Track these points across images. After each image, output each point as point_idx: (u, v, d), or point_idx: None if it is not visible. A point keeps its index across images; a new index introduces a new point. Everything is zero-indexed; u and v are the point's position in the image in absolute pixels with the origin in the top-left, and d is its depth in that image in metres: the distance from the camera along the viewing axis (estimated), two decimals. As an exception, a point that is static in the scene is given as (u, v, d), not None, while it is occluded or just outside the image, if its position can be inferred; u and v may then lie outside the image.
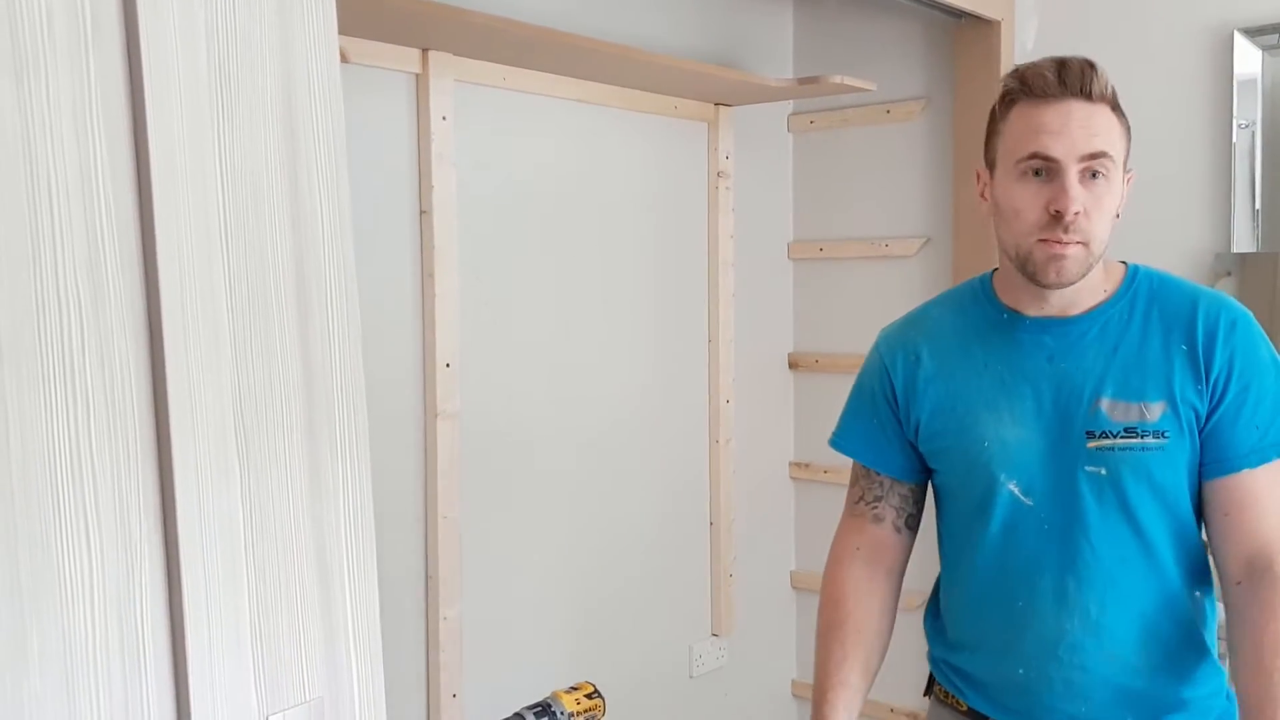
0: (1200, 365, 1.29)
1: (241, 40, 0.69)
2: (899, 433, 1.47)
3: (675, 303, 2.54)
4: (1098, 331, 1.34)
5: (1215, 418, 1.29)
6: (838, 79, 2.34)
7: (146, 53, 0.64)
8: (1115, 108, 1.30)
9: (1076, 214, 1.25)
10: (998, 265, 1.42)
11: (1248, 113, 2.25)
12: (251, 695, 0.66)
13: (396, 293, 1.97)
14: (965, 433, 1.38)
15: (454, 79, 2.00)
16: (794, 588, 2.90)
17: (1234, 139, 2.25)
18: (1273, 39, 2.22)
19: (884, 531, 1.49)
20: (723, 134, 2.59)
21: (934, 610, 1.53)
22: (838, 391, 2.83)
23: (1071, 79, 1.27)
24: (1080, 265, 1.28)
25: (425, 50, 1.95)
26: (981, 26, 2.46)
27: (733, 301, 2.65)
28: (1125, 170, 1.33)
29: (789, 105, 2.81)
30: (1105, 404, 1.31)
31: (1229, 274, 2.26)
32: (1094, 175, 1.27)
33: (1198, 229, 2.31)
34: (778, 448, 2.86)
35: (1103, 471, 1.30)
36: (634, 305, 2.44)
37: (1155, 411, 1.29)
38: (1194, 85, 2.31)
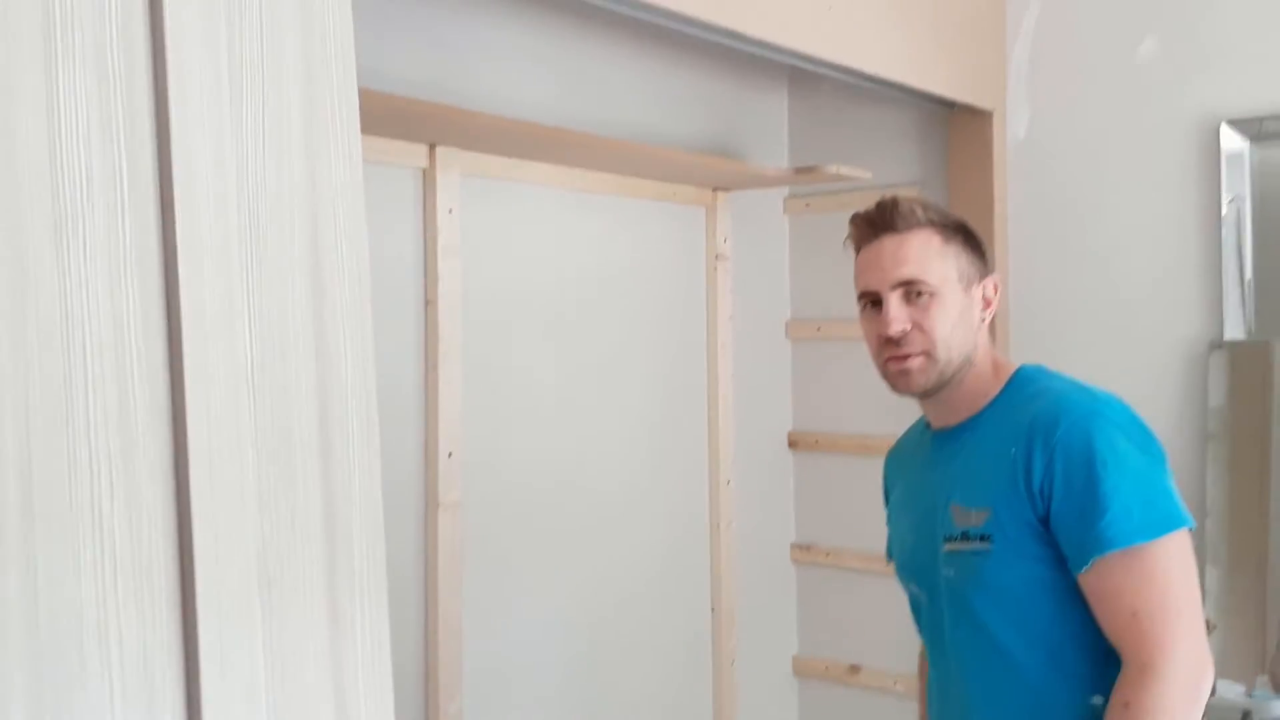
0: (1021, 469, 1.33)
1: (271, 193, 0.70)
2: None
3: (675, 384, 2.56)
4: (967, 437, 1.44)
5: (1054, 518, 1.31)
6: (834, 169, 2.38)
7: (180, 211, 0.66)
8: (940, 228, 1.42)
9: (902, 332, 1.40)
10: None
11: (1236, 187, 2.29)
12: None
13: (400, 383, 1.98)
14: (891, 539, 1.62)
15: (460, 173, 2.03)
16: (796, 674, 2.87)
17: (1223, 211, 2.29)
18: (1257, 129, 2.27)
19: None
20: (720, 218, 2.63)
21: None
22: (838, 471, 2.86)
23: (882, 218, 1.43)
24: (928, 374, 1.41)
25: (432, 146, 1.98)
26: (975, 115, 2.51)
27: (732, 381, 2.67)
28: (973, 278, 1.44)
29: (785, 189, 2.86)
30: (955, 508, 1.40)
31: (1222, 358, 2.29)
32: (918, 295, 1.40)
33: (1188, 315, 2.34)
34: (779, 529, 2.86)
35: (952, 573, 1.41)
36: (635, 388, 2.45)
37: (980, 517, 1.36)
38: (1183, 172, 2.36)
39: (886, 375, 1.47)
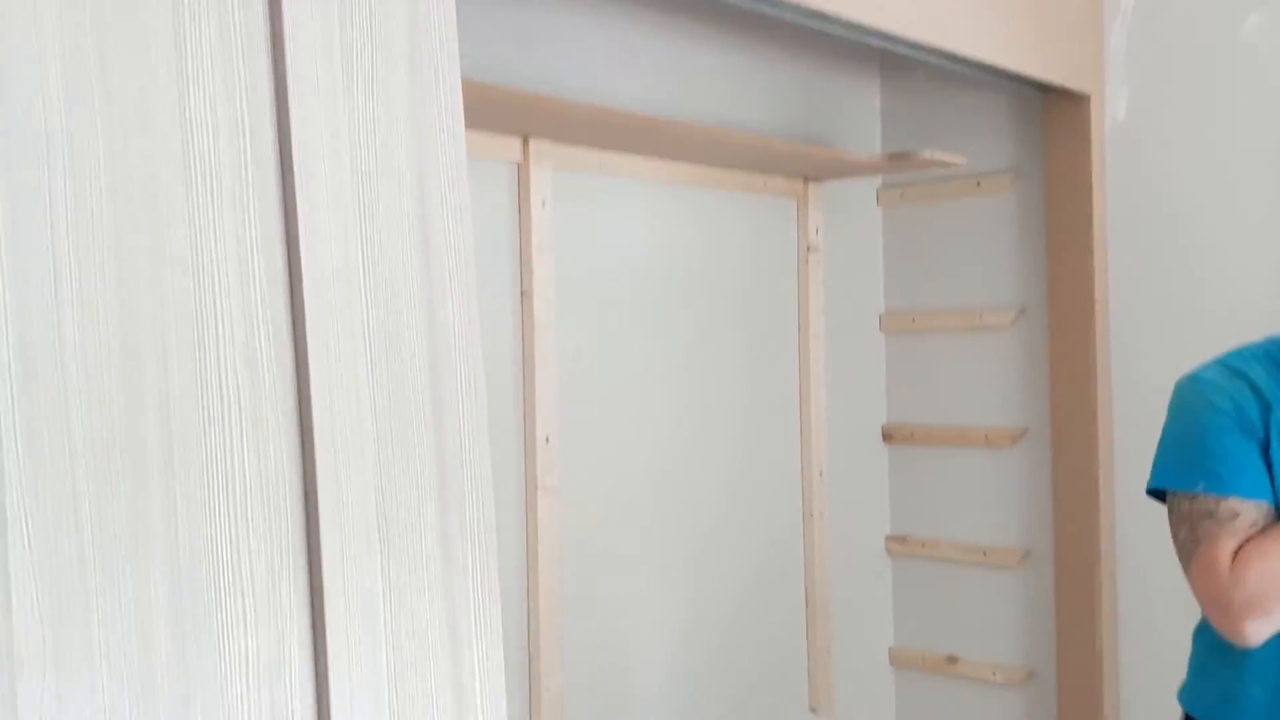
0: None
1: (381, 154, 0.75)
2: (1263, 465, 1.37)
3: (767, 376, 2.57)
4: None
5: None
6: (928, 154, 2.37)
7: (299, 167, 0.71)
8: None
9: None
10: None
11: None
12: (390, 765, 0.70)
13: (497, 370, 2.04)
14: None
15: (552, 166, 2.08)
16: (892, 664, 2.86)
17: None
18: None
19: None
20: (812, 209, 2.63)
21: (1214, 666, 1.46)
22: (934, 463, 2.84)
23: None
24: None
25: (525, 139, 2.04)
26: (1071, 99, 2.47)
27: (824, 374, 2.67)
28: None
29: (878, 179, 2.85)
30: None
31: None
32: None
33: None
34: (873, 521, 2.84)
35: None
36: (726, 379, 2.47)
37: None
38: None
39: None
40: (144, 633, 0.63)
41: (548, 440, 2.08)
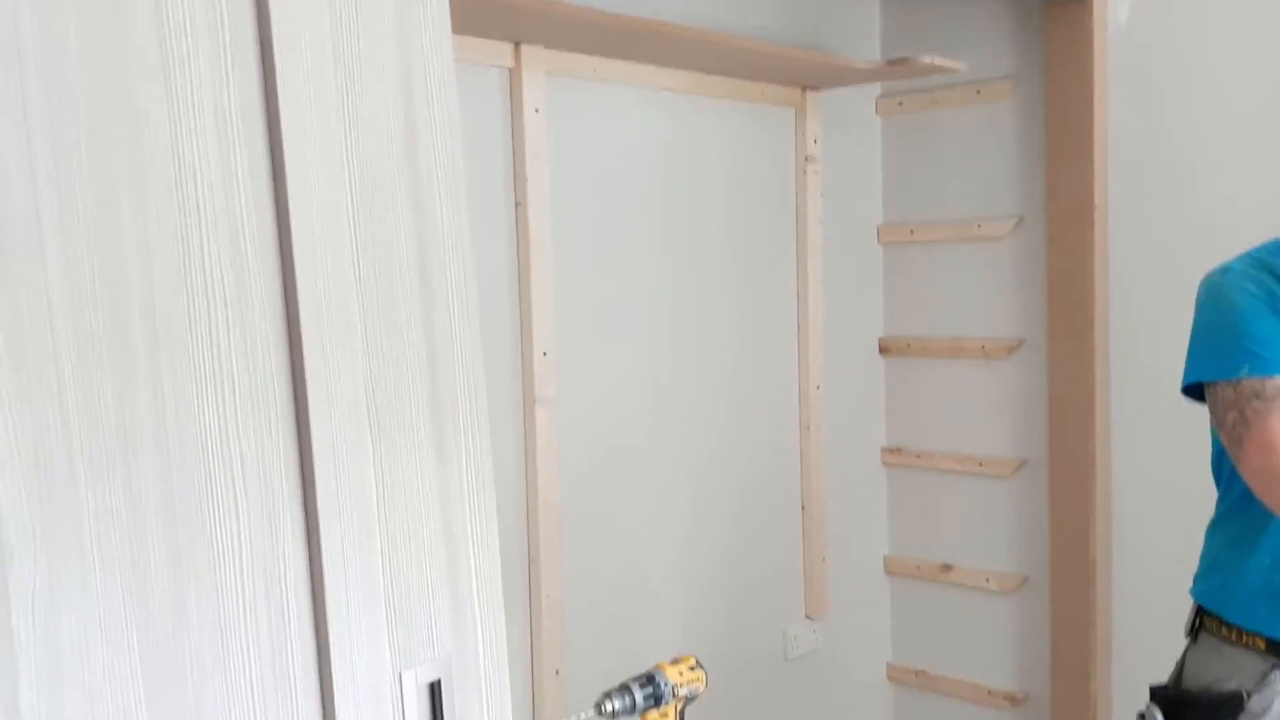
0: None
1: (365, 40, 0.73)
2: None
3: (764, 288, 2.56)
4: None
5: None
6: (927, 59, 2.33)
7: (279, 57, 0.69)
8: None
9: None
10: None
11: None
12: (385, 651, 0.70)
13: (492, 283, 2.03)
14: None
15: (545, 72, 2.04)
16: (887, 573, 2.89)
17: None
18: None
19: None
20: (810, 118, 2.59)
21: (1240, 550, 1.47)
22: (930, 375, 2.84)
23: None
24: None
25: (518, 44, 1.99)
26: (1071, 3, 2.42)
27: (822, 286, 2.66)
28: None
29: (876, 88, 2.80)
30: None
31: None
32: None
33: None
34: (869, 433, 2.86)
35: None
36: (723, 290, 2.46)
37: None
38: (1298, 53, 2.24)
39: None
40: (135, 522, 0.63)
41: (545, 354, 2.07)
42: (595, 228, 2.20)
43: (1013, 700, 2.68)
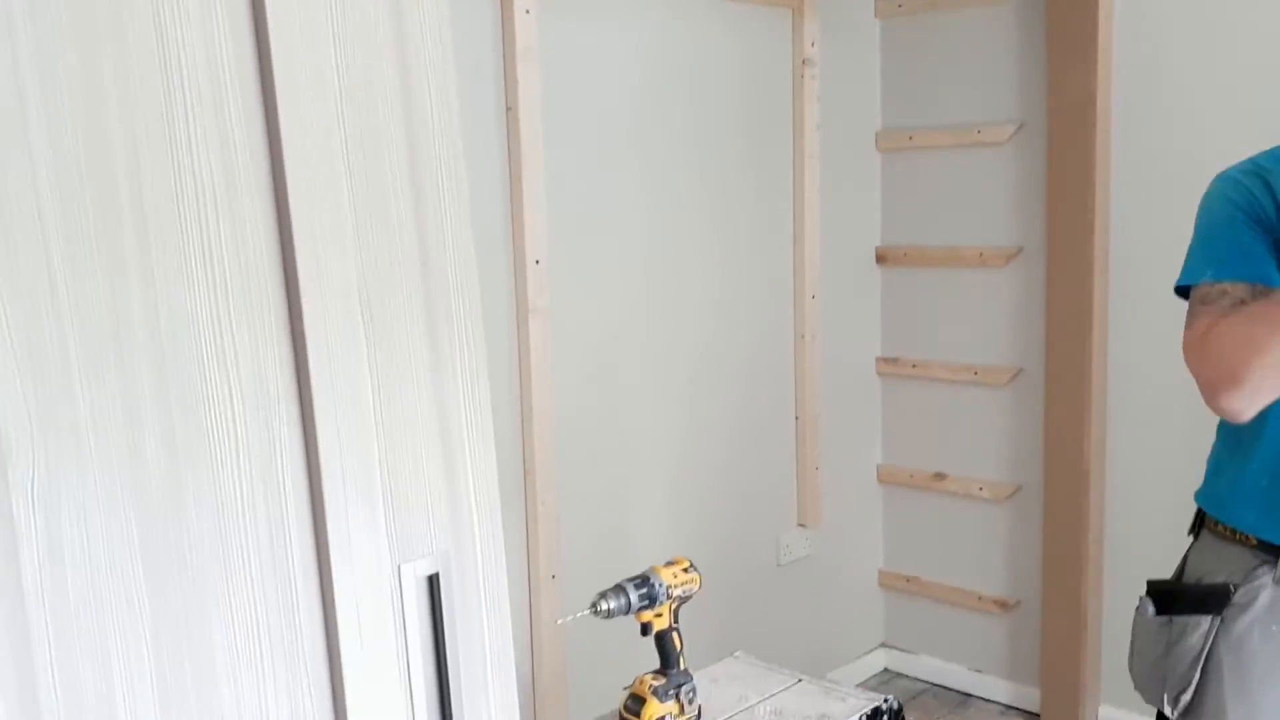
0: None
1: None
2: (1270, 254, 1.36)
3: (760, 195, 2.53)
4: None
5: None
6: (928, -41, 2.26)
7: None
8: None
9: None
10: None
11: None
12: (383, 545, 0.70)
13: (484, 190, 2.00)
14: None
15: (537, -29, 1.99)
16: (880, 481, 2.92)
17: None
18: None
19: None
20: (808, 21, 2.54)
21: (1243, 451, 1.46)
22: (928, 285, 2.83)
23: None
24: None
25: (508, -58, 1.94)
26: (1081, -102, 2.34)
27: (818, 194, 2.63)
28: None
29: (876, -10, 2.74)
30: None
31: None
32: None
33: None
34: (864, 343, 2.85)
35: None
36: (718, 198, 2.43)
37: None
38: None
39: None
40: (131, 416, 0.62)
41: (537, 262, 2.05)
42: (587, 133, 2.16)
43: (1004, 605, 2.73)
